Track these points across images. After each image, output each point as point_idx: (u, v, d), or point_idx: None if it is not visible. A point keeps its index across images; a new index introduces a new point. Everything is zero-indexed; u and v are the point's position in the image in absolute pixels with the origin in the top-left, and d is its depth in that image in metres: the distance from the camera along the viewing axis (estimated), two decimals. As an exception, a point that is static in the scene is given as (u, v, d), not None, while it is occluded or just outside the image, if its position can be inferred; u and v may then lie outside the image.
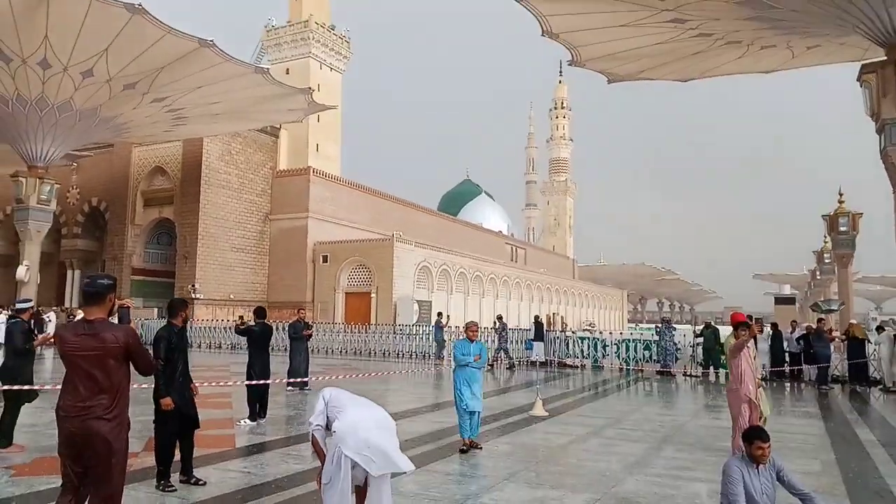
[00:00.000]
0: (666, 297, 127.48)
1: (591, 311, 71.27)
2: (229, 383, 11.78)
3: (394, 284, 37.37)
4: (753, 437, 4.43)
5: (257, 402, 9.10)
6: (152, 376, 4.47)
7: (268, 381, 9.26)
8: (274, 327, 26.43)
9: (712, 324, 19.87)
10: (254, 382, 9.09)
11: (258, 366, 9.29)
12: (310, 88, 30.10)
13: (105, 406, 3.54)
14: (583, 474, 6.48)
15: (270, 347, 9.94)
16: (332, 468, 3.85)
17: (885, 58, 18.13)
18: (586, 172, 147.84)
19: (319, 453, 4.10)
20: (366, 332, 26.04)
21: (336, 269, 39.15)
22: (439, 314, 24.23)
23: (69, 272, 41.20)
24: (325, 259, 39.68)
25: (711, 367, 17.95)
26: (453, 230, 55.40)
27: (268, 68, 26.16)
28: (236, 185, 38.74)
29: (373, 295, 38.11)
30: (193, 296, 35.13)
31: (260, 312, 10.01)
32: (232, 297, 37.84)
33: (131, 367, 3.72)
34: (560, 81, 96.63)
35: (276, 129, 41.46)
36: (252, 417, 8.98)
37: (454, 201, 75.75)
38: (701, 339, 18.43)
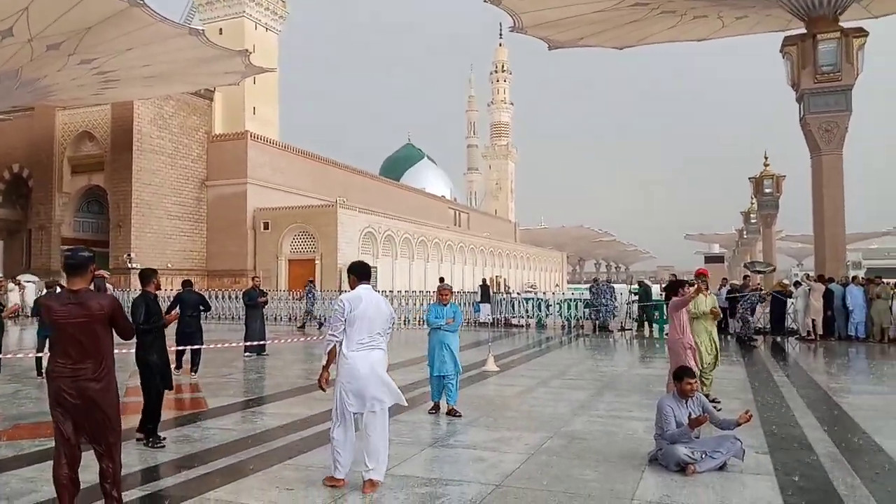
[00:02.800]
0: (603, 259, 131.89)
1: (533, 273, 73.15)
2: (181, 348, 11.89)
3: (338, 250, 37.34)
4: (682, 375, 5.12)
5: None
6: (133, 340, 4.73)
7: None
8: (217, 296, 26.50)
9: (645, 282, 21.09)
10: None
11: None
12: (247, 50, 29.27)
13: (94, 368, 3.82)
14: (535, 418, 7.13)
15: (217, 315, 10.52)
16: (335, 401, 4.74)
17: (805, 31, 19.35)
18: (527, 136, 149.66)
19: (329, 360, 4.86)
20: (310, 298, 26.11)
21: (278, 236, 38.73)
22: (310, 281, 23.64)
23: (-9, 242, 39.16)
24: (266, 226, 39.15)
25: (646, 323, 19.19)
26: (397, 195, 55.42)
27: (202, 29, 25.31)
28: (170, 150, 37.46)
29: (317, 262, 38.00)
30: (129, 265, 34.18)
31: (186, 283, 11.11)
32: (170, 266, 36.91)
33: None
34: (500, 45, 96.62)
35: (211, 92, 40.12)
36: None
37: (396, 166, 75.37)
38: (636, 297, 19.59)
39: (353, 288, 4.89)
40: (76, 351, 3.79)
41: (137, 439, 5.82)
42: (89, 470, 4.01)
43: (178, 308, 9.05)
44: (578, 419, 7.06)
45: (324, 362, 4.88)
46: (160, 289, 6.35)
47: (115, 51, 23.78)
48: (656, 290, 20.15)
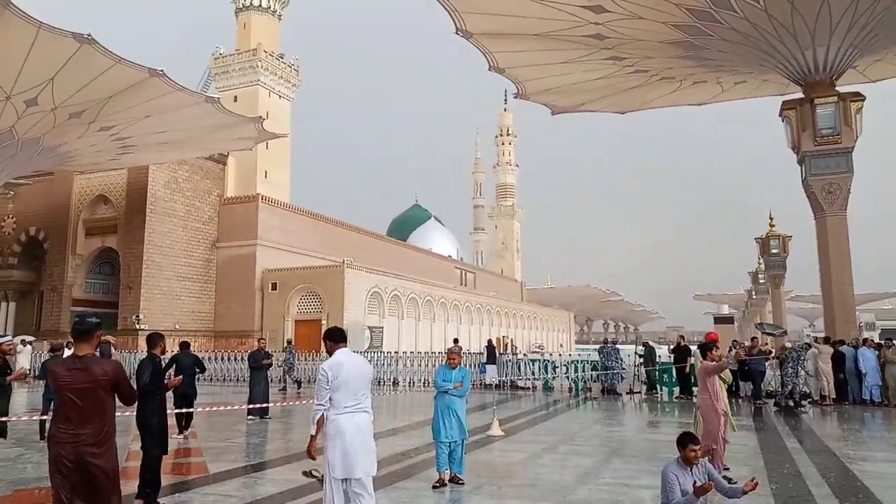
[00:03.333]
0: (611, 318, 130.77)
1: (540, 332, 72.53)
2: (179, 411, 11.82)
3: (345, 310, 37.34)
4: (686, 442, 5.07)
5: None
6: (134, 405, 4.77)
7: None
8: (222, 357, 26.47)
9: (649, 343, 20.94)
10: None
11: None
12: (260, 117, 30.24)
13: (94, 434, 3.88)
14: (540, 486, 7.00)
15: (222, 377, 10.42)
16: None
17: (802, 95, 19.85)
18: (533, 196, 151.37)
19: (318, 429, 4.82)
20: (317, 360, 26.03)
21: (285, 297, 38.86)
22: (289, 342, 24.27)
23: (3, 304, 39.50)
24: (273, 287, 39.34)
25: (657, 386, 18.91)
26: (403, 255, 55.80)
27: (218, 97, 26.25)
28: (182, 212, 38.17)
29: (323, 322, 37.92)
30: (138, 326, 34.26)
31: (184, 345, 11.37)
32: (177, 326, 36.99)
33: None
34: (505, 109, 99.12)
35: (224, 157, 41.18)
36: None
37: (403, 226, 76.25)
38: (641, 360, 19.40)
39: (330, 354, 4.90)
40: (78, 416, 3.85)
41: (137, 505, 5.78)
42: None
43: (173, 370, 9.19)
44: (584, 487, 6.93)
45: (312, 432, 4.85)
46: (165, 352, 6.47)
47: (133, 118, 24.65)
48: (665, 352, 19.95)
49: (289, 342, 24.07)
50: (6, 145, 24.09)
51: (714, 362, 7.34)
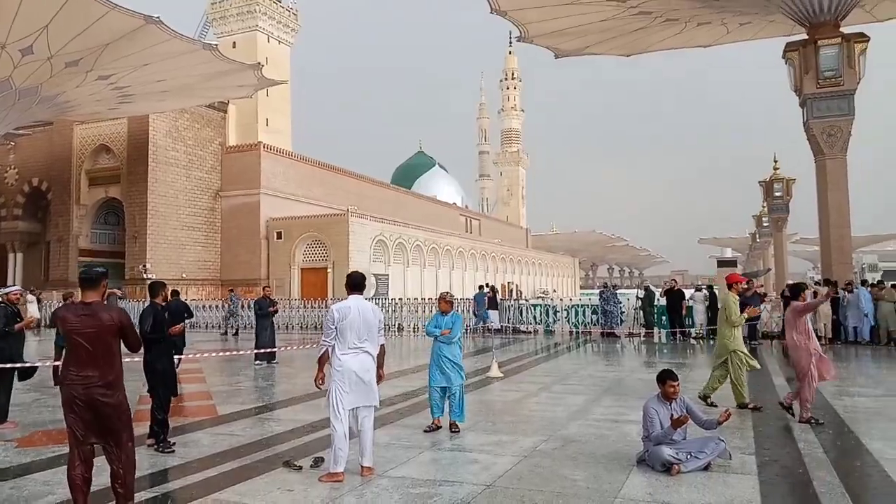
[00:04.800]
0: (616, 263, 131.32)
1: (545, 279, 73.15)
2: (199, 355, 12.25)
3: (350, 259, 37.71)
4: (665, 378, 5.35)
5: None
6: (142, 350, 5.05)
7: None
8: (224, 306, 26.98)
9: (650, 287, 21.21)
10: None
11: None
12: (259, 64, 29.82)
13: (103, 376, 4.12)
14: (533, 422, 7.36)
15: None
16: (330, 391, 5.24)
17: (806, 37, 19.43)
18: (538, 142, 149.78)
19: (322, 362, 5.40)
20: (324, 307, 26.50)
21: (291, 246, 39.20)
22: (231, 290, 24.48)
23: (10, 255, 40.02)
24: (279, 235, 39.63)
25: (655, 328, 19.30)
26: (408, 203, 55.81)
27: (216, 44, 25.83)
28: (185, 161, 38.13)
29: (329, 270, 38.38)
30: (145, 276, 34.76)
31: (174, 294, 11.05)
32: (184, 276, 37.51)
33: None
34: (510, 52, 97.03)
35: (224, 105, 40.79)
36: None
37: (408, 174, 75.88)
38: (640, 303, 19.72)
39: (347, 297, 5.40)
40: (87, 359, 4.09)
41: (148, 445, 6.13)
42: (104, 473, 4.30)
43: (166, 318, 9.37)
44: (575, 423, 7.27)
45: (318, 364, 5.46)
46: (167, 300, 6.77)
47: (131, 66, 24.38)
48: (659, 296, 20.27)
49: (231, 290, 24.58)
50: (3, 95, 23.97)
51: (802, 302, 7.45)
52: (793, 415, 7.29)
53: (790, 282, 14.74)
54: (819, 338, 16.50)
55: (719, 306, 8.56)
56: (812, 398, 7.25)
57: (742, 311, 17.21)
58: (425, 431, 6.75)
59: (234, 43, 43.07)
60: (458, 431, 6.75)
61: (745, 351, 8.22)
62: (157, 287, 6.79)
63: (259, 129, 44.06)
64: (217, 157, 40.32)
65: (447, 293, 7.35)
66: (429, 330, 7.12)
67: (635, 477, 5.13)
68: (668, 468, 5.09)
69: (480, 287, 23.97)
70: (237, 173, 40.05)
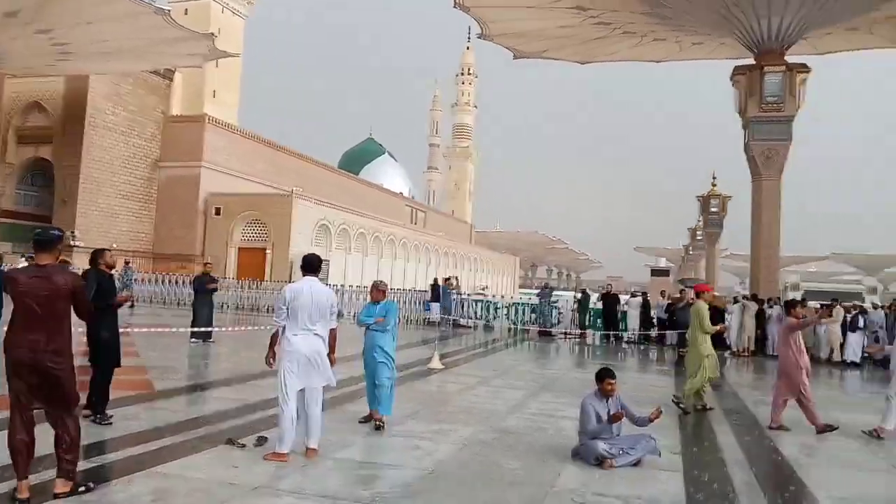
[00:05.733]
0: (555, 265, 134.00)
1: (486, 275, 73.92)
2: (130, 330, 11.87)
3: (291, 241, 37.07)
4: (604, 376, 5.61)
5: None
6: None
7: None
8: (163, 280, 26.12)
9: (587, 290, 21.93)
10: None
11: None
12: (212, 34, 28.92)
13: (51, 341, 4.00)
14: (473, 413, 7.53)
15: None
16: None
17: (754, 62, 20.44)
18: (488, 140, 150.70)
19: (273, 342, 5.42)
20: (259, 289, 26.03)
21: (229, 223, 38.21)
22: (446, 279, 23.27)
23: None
24: (217, 212, 38.56)
25: (589, 329, 19.93)
26: (354, 189, 55.30)
27: (168, 9, 24.86)
28: (124, 127, 36.53)
29: (268, 251, 37.65)
30: (72, 243, 33.14)
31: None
32: (115, 245, 35.81)
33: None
34: (468, 48, 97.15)
35: (171, 72, 39.28)
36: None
37: (356, 160, 75.05)
38: (576, 305, 20.37)
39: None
40: (36, 323, 3.96)
41: (85, 416, 5.94)
42: (46, 440, 4.18)
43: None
44: (513, 416, 7.49)
45: (269, 343, 5.48)
46: (113, 267, 6.52)
47: (74, 23, 23.23)
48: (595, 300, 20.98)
49: (126, 262, 23.83)
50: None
51: (797, 319, 7.64)
52: (787, 429, 7.41)
53: (790, 297, 15.41)
54: (742, 350, 17.57)
55: (692, 315, 8.89)
56: (814, 410, 7.43)
57: (674, 319, 17.95)
58: (360, 422, 6.55)
59: (186, 10, 41.46)
60: (382, 427, 6.31)
61: (715, 359, 8.62)
62: (98, 253, 6.51)
63: (205, 101, 42.72)
64: (158, 125, 38.80)
65: (380, 282, 7.02)
66: (361, 319, 6.73)
67: (570, 468, 5.37)
68: (600, 462, 5.34)
69: (434, 280, 24.16)
70: (179, 144, 38.65)
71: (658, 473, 5.38)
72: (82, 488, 4.12)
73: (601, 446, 5.34)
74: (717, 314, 18.83)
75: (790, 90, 19.89)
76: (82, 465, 4.59)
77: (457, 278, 29.56)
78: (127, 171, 36.92)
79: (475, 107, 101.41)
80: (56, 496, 4.00)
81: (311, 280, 5.36)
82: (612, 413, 5.46)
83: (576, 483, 4.99)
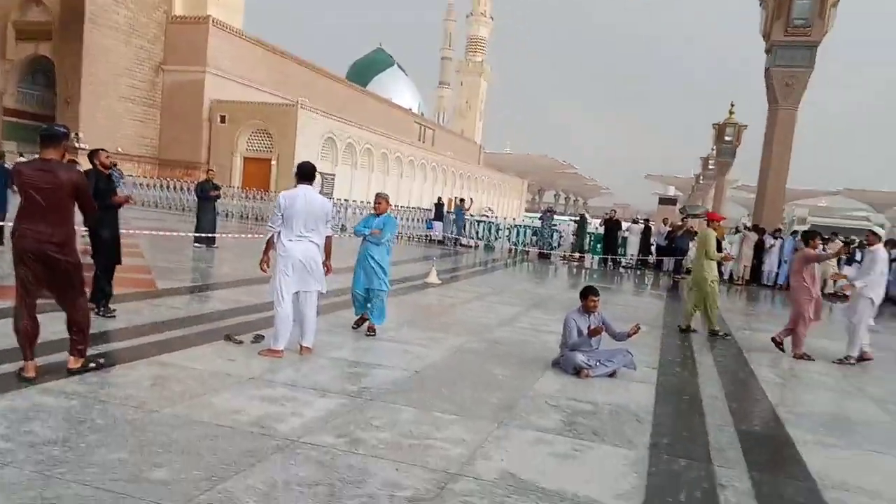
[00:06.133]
0: (563, 190, 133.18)
1: (493, 197, 73.70)
2: (134, 232, 12.11)
3: (296, 153, 36.81)
4: (588, 293, 5.81)
5: None
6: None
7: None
8: (168, 186, 26.22)
9: (585, 215, 22.12)
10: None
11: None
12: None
13: (56, 233, 4.19)
14: (464, 325, 7.83)
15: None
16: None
17: (785, -20, 19.48)
18: (503, 55, 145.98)
19: (268, 247, 5.52)
20: (265, 200, 26.19)
21: (235, 132, 37.86)
22: (461, 200, 23.42)
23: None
24: (222, 119, 38.10)
25: (588, 253, 20.19)
26: (362, 102, 54.25)
27: None
28: (125, 27, 35.49)
29: (273, 162, 37.50)
30: (77, 145, 33.01)
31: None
32: (120, 150, 35.82)
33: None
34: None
35: (173, -31, 37.78)
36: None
37: (364, 71, 73.15)
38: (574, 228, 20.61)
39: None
40: (40, 215, 4.13)
41: (89, 309, 6.21)
42: (51, 327, 4.43)
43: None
44: (502, 328, 7.79)
45: (264, 248, 5.58)
46: (109, 168, 6.59)
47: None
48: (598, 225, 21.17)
49: (114, 164, 23.85)
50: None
51: (815, 251, 7.81)
52: (783, 350, 7.79)
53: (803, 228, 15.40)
54: (738, 279, 17.81)
55: (698, 241, 9.10)
56: (804, 339, 7.72)
57: (672, 246, 18.10)
58: (353, 328, 6.75)
59: None
60: (374, 334, 6.55)
61: (717, 282, 8.84)
62: (94, 152, 6.58)
63: (209, 2, 41.19)
64: (161, 26, 37.68)
65: (384, 193, 7.01)
66: (357, 229, 6.73)
67: (549, 377, 5.66)
68: (578, 372, 5.64)
69: (438, 199, 24.30)
70: (182, 47, 37.66)
71: (631, 385, 5.67)
72: (93, 364, 4.49)
73: (579, 357, 5.61)
74: (716, 243, 19.14)
75: (819, 12, 19.09)
76: (89, 352, 4.88)
77: (472, 199, 29.60)
78: (130, 74, 36.21)
79: (491, 18, 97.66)
80: (70, 371, 4.35)
81: (305, 188, 5.44)
82: (591, 328, 5.70)
83: (552, 390, 5.28)
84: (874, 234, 7.85)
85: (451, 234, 21.97)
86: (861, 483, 3.85)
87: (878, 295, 7.62)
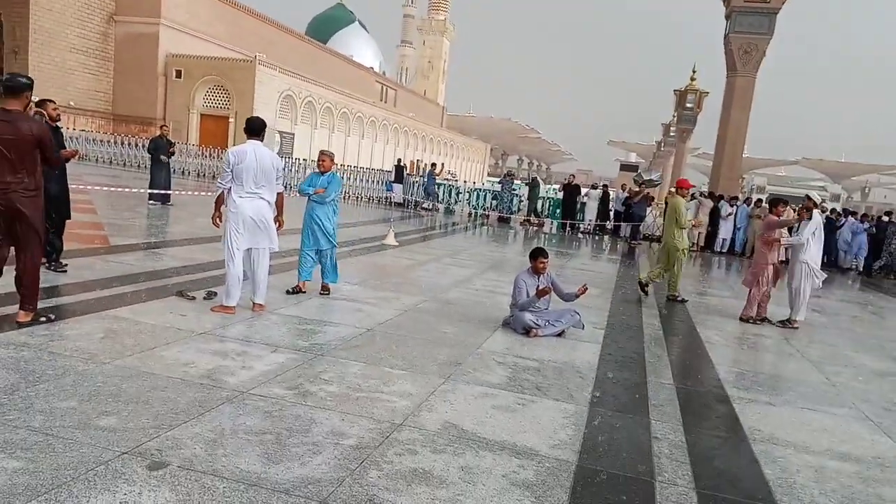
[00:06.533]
0: (526, 155, 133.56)
1: (456, 161, 73.53)
2: (87, 188, 11.79)
3: (254, 110, 36.03)
4: (537, 255, 5.98)
5: None
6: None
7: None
8: (122, 142, 25.39)
9: (537, 179, 22.41)
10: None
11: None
12: None
13: (21, 183, 4.22)
14: (418, 285, 7.95)
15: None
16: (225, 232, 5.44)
17: (746, -53, 19.62)
18: (466, 14, 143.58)
19: (218, 204, 5.50)
20: (221, 159, 25.62)
21: (191, 87, 36.81)
22: (433, 165, 22.99)
23: None
24: (178, 74, 36.98)
25: (545, 217, 20.48)
26: (321, 59, 53.08)
27: None
28: (74, -27, 33.83)
29: (231, 119, 36.70)
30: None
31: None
32: (72, 104, 34.54)
33: None
34: None
35: (124, -89, 35.92)
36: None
37: (324, 27, 71.29)
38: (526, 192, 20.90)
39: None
40: (6, 167, 4.15)
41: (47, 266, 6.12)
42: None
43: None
44: (456, 289, 7.94)
45: (214, 205, 5.58)
46: (57, 120, 6.42)
47: None
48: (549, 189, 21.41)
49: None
50: None
51: (778, 217, 8.03)
52: (761, 322, 8.00)
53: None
54: (692, 245, 18.30)
55: (668, 209, 9.28)
56: (755, 304, 8.01)
57: (630, 212, 18.45)
58: (287, 293, 6.38)
59: None
60: (329, 293, 6.56)
61: (687, 251, 9.13)
62: (42, 102, 6.40)
63: (164, -50, 39.37)
64: (113, -27, 36.02)
65: (329, 151, 6.80)
66: (301, 188, 6.55)
67: (498, 335, 5.85)
68: (527, 331, 5.83)
69: (398, 161, 24.12)
70: (135, -3, 36.15)
71: (578, 344, 5.90)
72: (43, 318, 4.50)
73: (528, 317, 5.80)
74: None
75: (779, -21, 19.35)
76: (39, 305, 4.84)
77: (443, 164, 29.42)
78: (80, 24, 34.67)
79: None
80: (19, 325, 4.36)
81: (254, 143, 5.40)
82: (540, 288, 5.87)
83: (500, 348, 5.46)
84: (809, 199, 8.20)
85: (412, 196, 21.96)
86: (790, 438, 4.10)
87: (811, 258, 7.97)
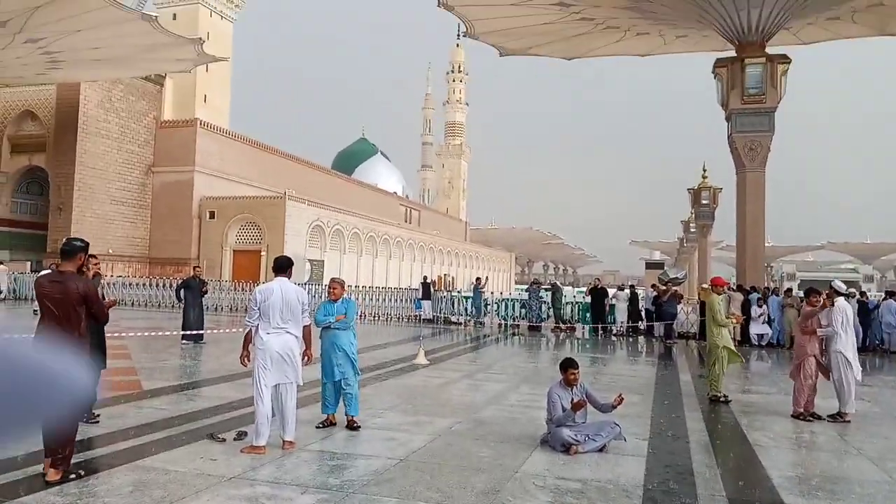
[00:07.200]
0: (551, 260, 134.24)
1: (482, 272, 74.07)
2: (123, 334, 12.09)
3: (285, 243, 37.33)
4: (567, 366, 5.85)
5: None
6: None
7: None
8: (155, 284, 26.31)
9: (557, 284, 22.35)
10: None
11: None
12: (200, 39, 29.06)
13: (68, 339, 4.49)
14: (451, 406, 7.78)
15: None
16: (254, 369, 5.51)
17: (735, 55, 20.65)
18: (481, 136, 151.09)
19: (246, 342, 5.65)
20: (254, 290, 26.22)
21: (224, 226, 38.45)
22: (477, 279, 23.28)
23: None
24: (212, 215, 38.80)
25: (576, 322, 20.22)
26: (347, 189, 55.50)
27: (156, 16, 25.03)
28: (117, 134, 36.71)
29: (263, 253, 37.87)
30: (68, 250, 33.37)
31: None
32: (111, 251, 36.20)
33: None
34: (458, 45, 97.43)
35: (161, 78, 39.47)
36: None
37: (349, 160, 75.34)
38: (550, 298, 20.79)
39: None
40: (55, 322, 4.50)
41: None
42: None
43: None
44: (490, 407, 7.74)
45: (243, 343, 5.71)
46: (97, 274, 6.75)
47: (63, 31, 23.36)
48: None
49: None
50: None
51: (812, 307, 7.95)
52: (814, 419, 7.62)
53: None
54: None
55: (706, 309, 9.18)
56: (803, 398, 7.68)
57: (660, 308, 18.18)
58: (317, 428, 6.21)
59: (175, 15, 41.67)
60: (358, 427, 6.24)
61: (732, 347, 8.93)
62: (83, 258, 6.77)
63: (196, 105, 42.87)
64: (151, 131, 39.01)
65: (339, 278, 6.74)
66: (318, 319, 6.25)
67: (537, 455, 5.61)
68: (567, 448, 5.59)
69: (424, 278, 24.51)
70: (171, 149, 38.88)
71: (621, 458, 5.62)
72: (73, 475, 4.48)
73: (566, 433, 5.58)
74: (703, 306, 19.23)
75: (771, 81, 20.08)
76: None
77: (487, 277, 29.58)
78: (121, 178, 37.13)
79: (466, 104, 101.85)
80: (48, 483, 4.36)
81: (281, 280, 5.61)
82: (575, 401, 5.70)
83: (540, 469, 5.23)
84: (832, 287, 8.05)
85: (440, 312, 21.98)
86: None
87: (845, 347, 7.68)
